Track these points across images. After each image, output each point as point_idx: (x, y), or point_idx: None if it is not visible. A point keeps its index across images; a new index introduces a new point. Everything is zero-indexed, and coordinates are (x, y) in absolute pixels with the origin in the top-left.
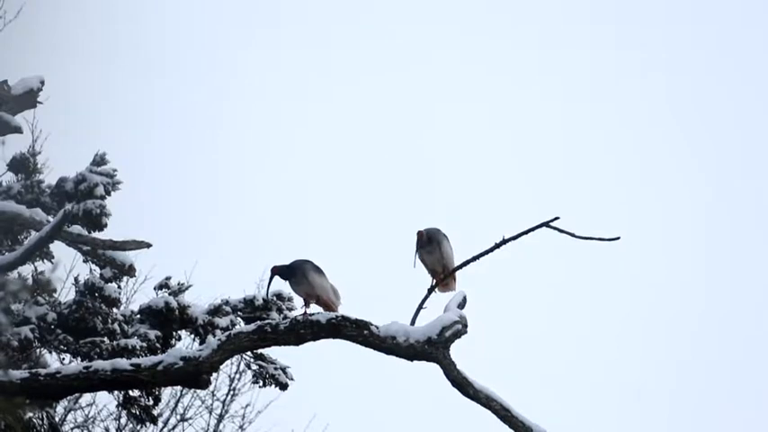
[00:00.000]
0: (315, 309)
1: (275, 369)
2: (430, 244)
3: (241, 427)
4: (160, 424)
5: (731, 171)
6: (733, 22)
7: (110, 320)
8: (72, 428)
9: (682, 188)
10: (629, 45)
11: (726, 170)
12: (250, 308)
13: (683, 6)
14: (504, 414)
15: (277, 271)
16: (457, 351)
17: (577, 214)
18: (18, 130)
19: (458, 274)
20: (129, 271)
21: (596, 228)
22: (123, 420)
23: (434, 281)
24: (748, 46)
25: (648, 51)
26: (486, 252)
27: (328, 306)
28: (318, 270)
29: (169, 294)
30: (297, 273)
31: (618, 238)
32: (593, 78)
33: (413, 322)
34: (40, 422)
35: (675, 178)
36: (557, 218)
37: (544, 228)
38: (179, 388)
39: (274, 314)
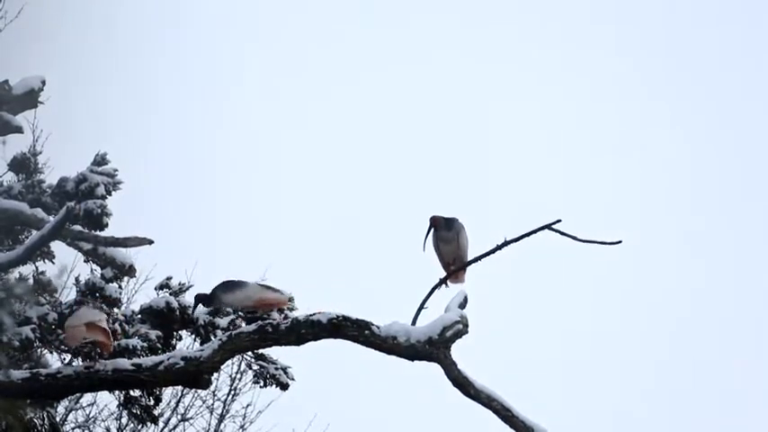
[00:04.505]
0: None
1: (276, 369)
2: (449, 231)
3: (242, 426)
4: (161, 424)
5: (737, 173)
6: (742, 24)
7: (110, 320)
8: (73, 428)
9: (685, 191)
10: (632, 45)
11: (731, 172)
12: None
13: (686, 7)
14: (505, 414)
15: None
16: (458, 351)
17: (580, 216)
18: (19, 129)
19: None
20: (130, 271)
21: (600, 230)
22: (124, 420)
23: (441, 278)
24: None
25: (653, 52)
26: (488, 253)
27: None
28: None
29: (170, 294)
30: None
31: (620, 242)
32: (595, 79)
33: (414, 322)
34: (41, 422)
35: (679, 181)
36: (559, 220)
37: (546, 230)
38: (180, 388)
39: (275, 314)
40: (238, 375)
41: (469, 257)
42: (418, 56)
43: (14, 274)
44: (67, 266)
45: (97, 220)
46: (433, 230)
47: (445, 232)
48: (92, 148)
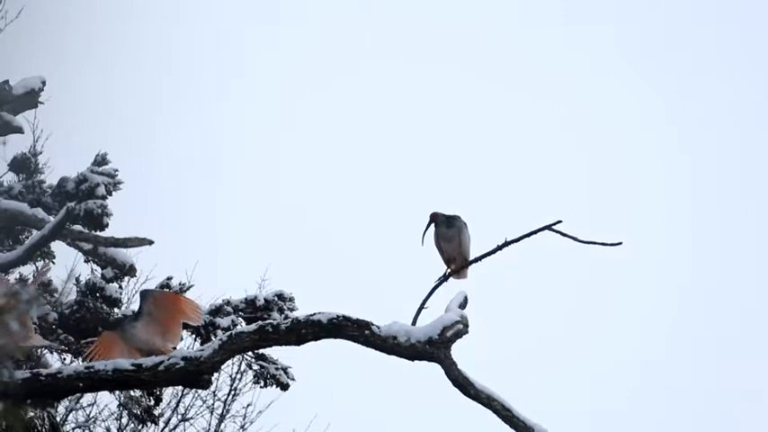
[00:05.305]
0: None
1: (276, 369)
2: (450, 228)
3: (242, 426)
4: (161, 424)
5: (737, 173)
6: (742, 24)
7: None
8: (73, 428)
9: (685, 191)
10: (632, 45)
11: (732, 172)
12: (251, 308)
13: (686, 7)
14: (505, 414)
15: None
16: (458, 351)
17: (581, 216)
18: (19, 130)
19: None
20: (131, 271)
21: (600, 231)
22: (124, 420)
23: (445, 273)
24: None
25: (653, 52)
26: (489, 253)
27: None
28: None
29: None
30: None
31: (620, 243)
32: (596, 78)
33: (414, 322)
34: (41, 422)
35: (679, 181)
36: (559, 221)
37: (547, 231)
38: (180, 388)
39: (276, 314)
40: (239, 375)
41: (471, 255)
42: (419, 53)
43: (14, 274)
44: (74, 271)
45: (98, 220)
46: (433, 227)
47: (446, 230)
48: (92, 148)
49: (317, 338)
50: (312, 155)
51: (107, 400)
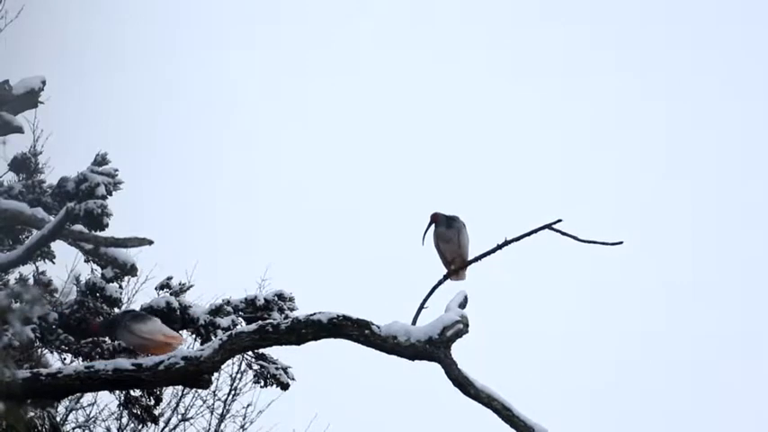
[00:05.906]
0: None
1: (276, 369)
2: (449, 229)
3: (242, 426)
4: (161, 424)
5: (737, 173)
6: (742, 24)
7: None
8: (73, 428)
9: (686, 192)
10: (632, 45)
11: (731, 172)
12: (251, 308)
13: (684, 8)
14: (505, 414)
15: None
16: (458, 351)
17: (583, 215)
18: (19, 129)
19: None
20: (132, 270)
21: (602, 229)
22: (125, 420)
23: (441, 277)
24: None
25: (653, 51)
26: (489, 252)
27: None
28: (140, 317)
29: (170, 294)
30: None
31: (621, 243)
32: (597, 78)
33: (414, 322)
34: (41, 422)
35: (681, 182)
36: (559, 220)
37: (547, 230)
38: (180, 388)
39: (276, 314)
40: (239, 375)
41: (470, 256)
42: (419, 53)
43: (14, 274)
44: (74, 271)
45: (98, 220)
46: (434, 227)
47: (446, 231)
48: (92, 148)
49: (317, 338)
50: (312, 155)
51: (107, 400)
